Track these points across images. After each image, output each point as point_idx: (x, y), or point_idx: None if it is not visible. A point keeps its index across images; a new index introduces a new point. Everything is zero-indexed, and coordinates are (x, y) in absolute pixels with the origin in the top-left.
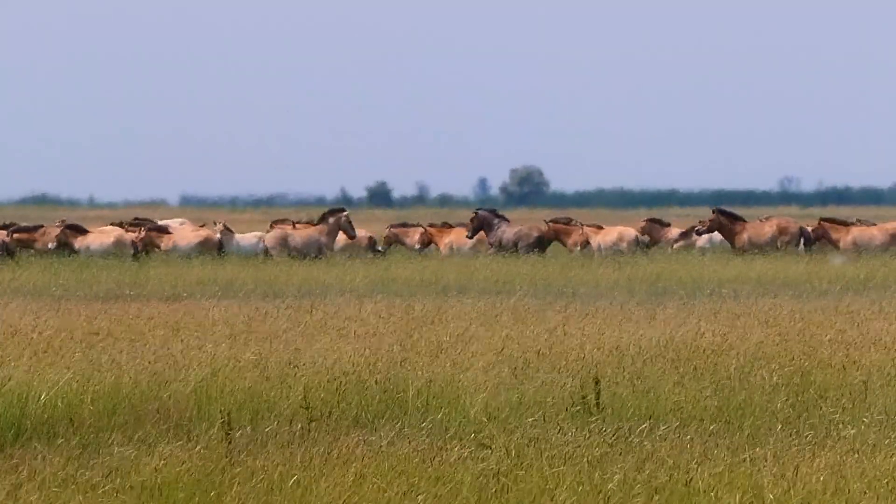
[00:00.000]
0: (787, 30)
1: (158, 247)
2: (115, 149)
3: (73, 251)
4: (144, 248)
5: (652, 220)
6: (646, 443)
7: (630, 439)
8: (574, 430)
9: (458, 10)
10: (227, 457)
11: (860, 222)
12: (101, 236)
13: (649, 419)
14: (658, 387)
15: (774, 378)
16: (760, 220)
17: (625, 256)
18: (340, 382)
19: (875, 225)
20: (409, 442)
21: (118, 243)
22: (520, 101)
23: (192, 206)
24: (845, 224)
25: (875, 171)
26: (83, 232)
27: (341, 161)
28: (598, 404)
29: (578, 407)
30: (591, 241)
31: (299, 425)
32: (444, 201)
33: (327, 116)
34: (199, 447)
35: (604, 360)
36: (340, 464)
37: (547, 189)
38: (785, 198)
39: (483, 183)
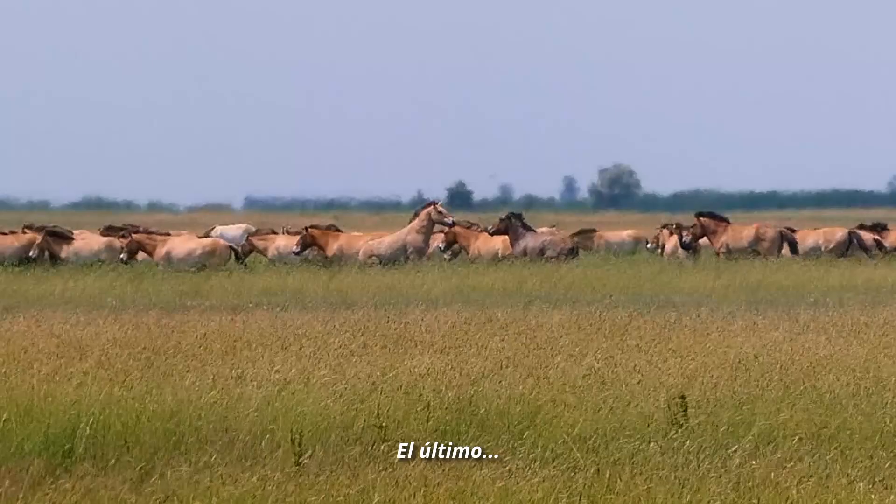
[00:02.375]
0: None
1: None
2: (175, 149)
3: (58, 260)
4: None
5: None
6: (741, 462)
7: (726, 459)
8: (669, 449)
9: None
10: (296, 479)
11: None
12: (89, 241)
13: (746, 437)
14: (755, 403)
15: (874, 397)
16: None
17: (725, 263)
18: (419, 398)
19: None
20: (491, 462)
21: (109, 248)
22: (610, 94)
23: (257, 209)
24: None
25: None
26: (67, 239)
27: (417, 161)
28: (686, 420)
29: (671, 424)
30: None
31: (374, 445)
32: (529, 203)
33: (401, 113)
34: (265, 470)
35: (698, 373)
36: (416, 485)
37: (639, 190)
38: (895, 199)
39: (570, 183)
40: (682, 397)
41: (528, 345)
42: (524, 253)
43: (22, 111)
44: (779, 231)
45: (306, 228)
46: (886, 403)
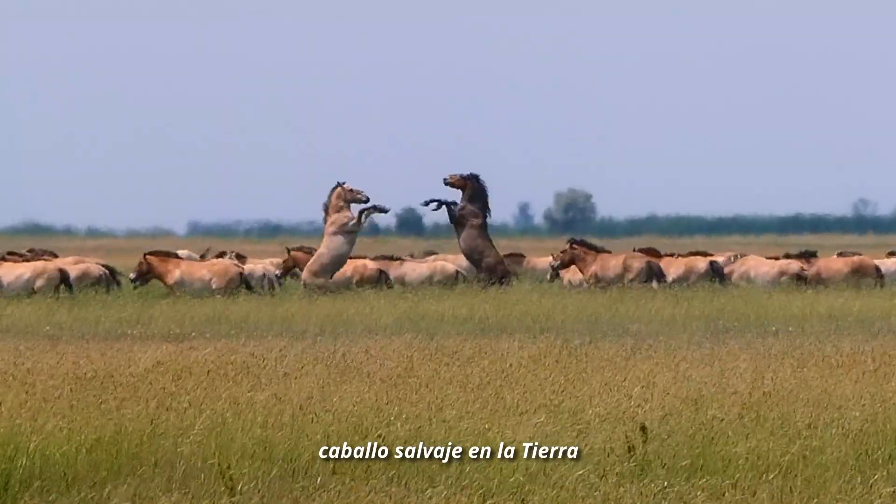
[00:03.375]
0: (861, 43)
1: None
2: (115, 173)
3: None
4: None
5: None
6: (705, 500)
7: (683, 495)
8: (624, 485)
9: (491, 13)
10: None
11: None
12: (14, 268)
13: (704, 472)
14: (716, 437)
15: (845, 426)
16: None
17: (683, 290)
18: (363, 430)
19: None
20: (446, 500)
21: (50, 277)
22: (566, 117)
23: (201, 234)
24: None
25: None
26: None
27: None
28: (646, 454)
29: (626, 459)
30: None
31: (317, 479)
32: None
33: (352, 138)
34: (204, 501)
35: (656, 406)
36: None
37: (594, 215)
38: (860, 223)
39: (524, 209)
40: (643, 428)
41: (480, 374)
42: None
43: None
44: (646, 261)
45: (144, 255)
46: (852, 433)
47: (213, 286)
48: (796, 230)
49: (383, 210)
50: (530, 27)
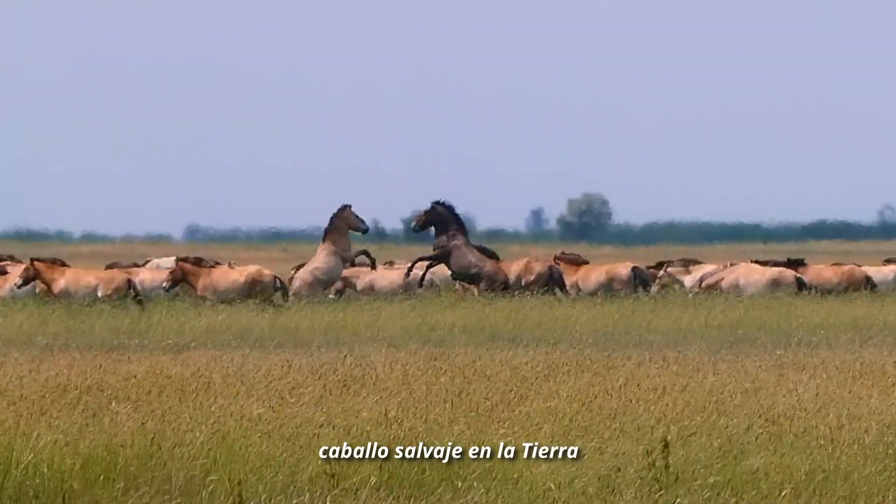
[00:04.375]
0: (887, 47)
1: None
2: (111, 177)
3: None
4: None
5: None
6: None
7: None
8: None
9: (503, 16)
10: None
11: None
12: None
13: (729, 488)
14: (739, 450)
15: (868, 439)
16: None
17: (702, 299)
18: (367, 446)
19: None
20: None
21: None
22: (581, 119)
23: (199, 240)
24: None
25: None
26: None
27: (373, 190)
28: (667, 469)
29: (646, 475)
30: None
31: (320, 493)
32: (494, 235)
33: (356, 139)
34: None
35: (674, 420)
36: None
37: (611, 221)
38: (885, 230)
39: (537, 214)
40: (665, 444)
41: (490, 387)
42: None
43: None
44: (548, 266)
45: (31, 261)
46: (876, 445)
47: (100, 294)
48: (820, 236)
49: (370, 259)
50: (543, 28)
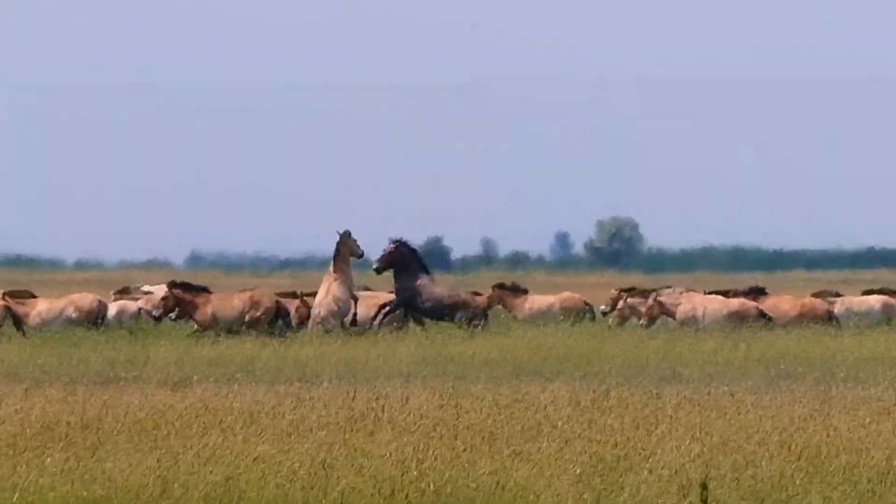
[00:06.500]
0: None
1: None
2: (107, 200)
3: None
4: None
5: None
6: None
7: None
8: None
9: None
10: None
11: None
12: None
13: None
14: (779, 491)
15: None
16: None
17: (742, 332)
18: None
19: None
20: None
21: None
22: (609, 138)
23: (203, 267)
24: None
25: None
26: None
27: (388, 213)
28: None
29: None
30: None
31: None
32: (516, 260)
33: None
34: None
35: (712, 459)
36: None
37: (642, 246)
38: None
39: (563, 238)
40: (704, 487)
41: (514, 423)
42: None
43: None
44: (274, 300)
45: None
46: None
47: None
48: (868, 265)
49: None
50: (570, 44)
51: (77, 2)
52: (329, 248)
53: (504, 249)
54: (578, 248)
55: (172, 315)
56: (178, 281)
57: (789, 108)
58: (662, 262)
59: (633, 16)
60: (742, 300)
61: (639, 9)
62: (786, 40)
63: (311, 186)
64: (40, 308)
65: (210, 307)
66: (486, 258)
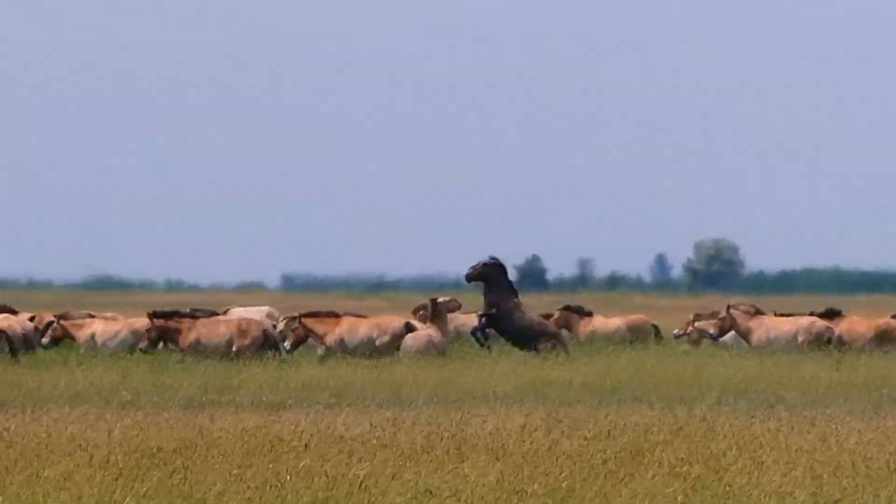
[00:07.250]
0: None
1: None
2: (199, 221)
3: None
4: None
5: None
6: None
7: None
8: None
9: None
10: None
11: None
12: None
13: None
14: None
15: None
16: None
17: (847, 355)
18: None
19: None
20: None
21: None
22: (709, 156)
23: (296, 289)
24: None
25: None
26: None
27: (481, 232)
28: None
29: None
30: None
31: None
32: (613, 282)
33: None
34: None
35: (815, 485)
36: None
37: (743, 268)
38: None
39: (661, 260)
40: None
41: (613, 448)
42: None
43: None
44: (262, 329)
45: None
46: None
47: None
48: None
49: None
50: (675, 62)
51: None
52: (425, 270)
53: (602, 270)
54: (677, 270)
55: (160, 346)
56: (158, 310)
57: (890, 127)
58: (763, 285)
59: (708, 34)
60: (813, 318)
61: (738, 26)
62: (878, 62)
63: (409, 207)
64: (95, 328)
65: (194, 333)
66: (583, 278)
